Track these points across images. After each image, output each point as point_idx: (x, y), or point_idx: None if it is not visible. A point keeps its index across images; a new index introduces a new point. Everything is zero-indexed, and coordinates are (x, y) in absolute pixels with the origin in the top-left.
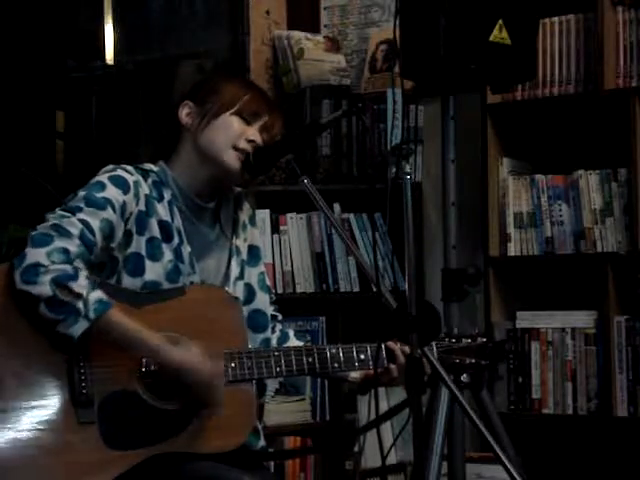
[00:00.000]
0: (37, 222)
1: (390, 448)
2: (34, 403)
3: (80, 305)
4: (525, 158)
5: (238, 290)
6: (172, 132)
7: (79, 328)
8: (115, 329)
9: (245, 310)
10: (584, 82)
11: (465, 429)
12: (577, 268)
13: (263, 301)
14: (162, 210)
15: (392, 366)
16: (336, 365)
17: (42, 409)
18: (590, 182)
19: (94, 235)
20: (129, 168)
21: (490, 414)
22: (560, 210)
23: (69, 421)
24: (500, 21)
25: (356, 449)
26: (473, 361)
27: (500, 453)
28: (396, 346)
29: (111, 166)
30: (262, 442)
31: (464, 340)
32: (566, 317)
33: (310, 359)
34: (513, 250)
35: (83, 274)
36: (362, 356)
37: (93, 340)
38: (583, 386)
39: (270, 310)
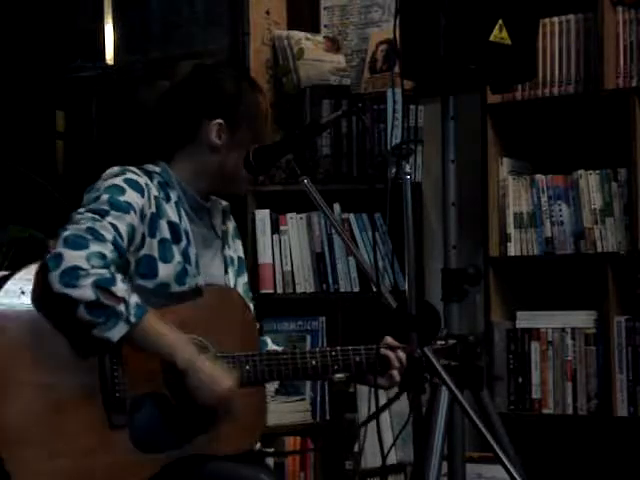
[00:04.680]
0: (37, 222)
1: (390, 448)
2: (67, 407)
3: (122, 308)
4: (525, 158)
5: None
6: (182, 139)
7: (119, 331)
8: (151, 334)
9: None
10: (584, 82)
11: (465, 429)
12: (577, 268)
13: None
14: (170, 211)
15: (394, 372)
16: (336, 367)
17: (75, 413)
18: (590, 182)
19: (123, 240)
20: (135, 170)
21: (490, 414)
22: (560, 210)
23: (102, 425)
24: (500, 21)
25: (356, 449)
26: (446, 363)
27: (500, 453)
28: (390, 352)
29: (117, 168)
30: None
31: (438, 342)
32: (566, 317)
33: (314, 362)
34: (513, 250)
35: (119, 277)
36: (357, 358)
37: (127, 344)
38: (583, 386)
39: None
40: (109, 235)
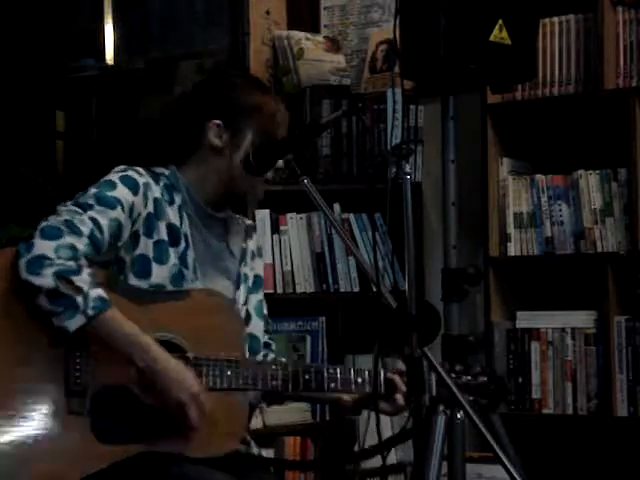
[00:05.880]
0: (37, 222)
1: (390, 448)
2: (28, 389)
3: (80, 300)
4: (525, 158)
5: (241, 315)
6: (189, 143)
7: (75, 322)
8: (111, 329)
9: None
10: (584, 82)
11: (465, 429)
12: (577, 268)
13: (258, 327)
14: (172, 214)
15: (398, 395)
16: (332, 385)
17: (35, 396)
18: (590, 182)
19: (103, 234)
20: (140, 170)
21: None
22: (560, 210)
23: (60, 410)
24: (500, 21)
25: (356, 449)
26: (471, 399)
27: (500, 453)
28: (395, 376)
29: (123, 166)
30: (255, 449)
31: (464, 377)
32: (566, 317)
33: (307, 376)
34: (513, 250)
35: (86, 271)
36: (359, 379)
37: (89, 338)
38: (583, 386)
39: (265, 338)
40: (85, 229)
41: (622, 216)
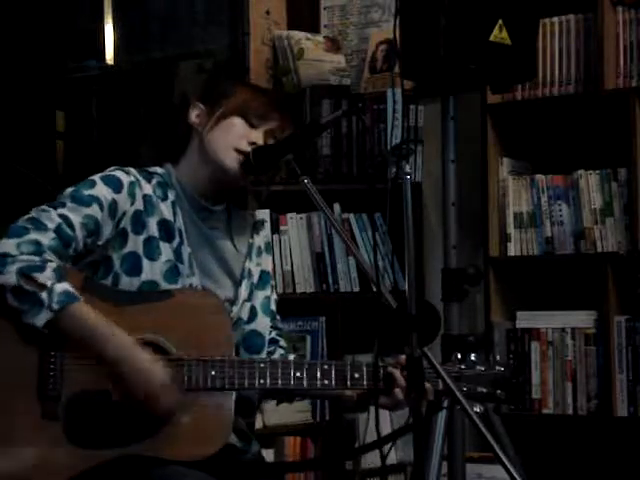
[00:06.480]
0: None
1: (390, 448)
2: (3, 394)
3: (44, 296)
4: (525, 158)
5: (244, 311)
6: (181, 134)
7: (42, 318)
8: (80, 322)
9: (243, 330)
10: (584, 82)
11: (465, 429)
12: (577, 268)
13: (263, 324)
14: (165, 209)
15: (396, 390)
16: (326, 382)
17: (7, 399)
18: (590, 182)
19: (73, 230)
20: (129, 169)
21: (490, 414)
22: (560, 210)
23: (33, 414)
24: (500, 21)
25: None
26: (485, 391)
27: (500, 453)
28: (395, 370)
29: (112, 167)
30: (255, 447)
31: (477, 367)
32: (566, 317)
33: (299, 373)
34: (513, 250)
35: (51, 266)
36: (356, 374)
37: (60, 333)
38: (583, 386)
39: (272, 334)
40: (51, 224)
41: (622, 216)
